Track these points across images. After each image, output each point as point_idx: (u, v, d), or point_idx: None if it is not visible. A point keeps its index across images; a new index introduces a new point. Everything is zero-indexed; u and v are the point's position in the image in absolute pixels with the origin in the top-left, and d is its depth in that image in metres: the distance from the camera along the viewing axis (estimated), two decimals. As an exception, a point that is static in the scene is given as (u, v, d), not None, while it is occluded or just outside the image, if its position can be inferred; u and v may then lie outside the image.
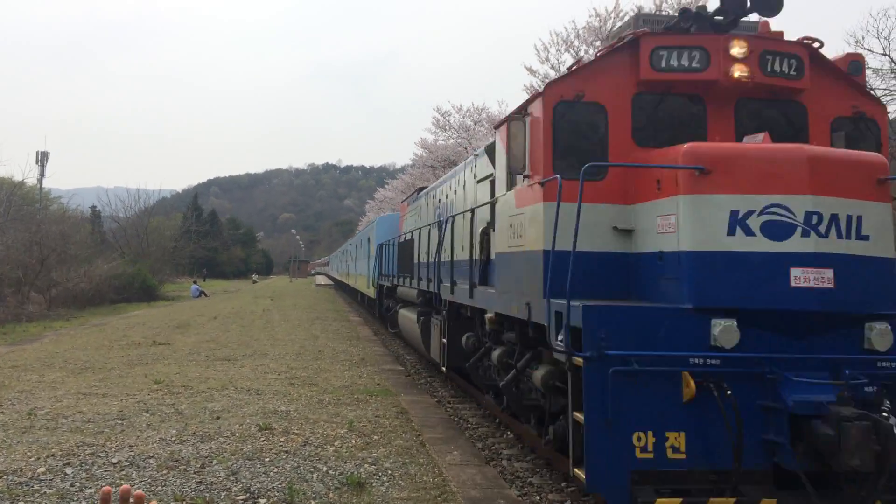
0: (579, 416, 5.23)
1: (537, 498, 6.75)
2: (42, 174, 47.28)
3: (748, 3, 6.06)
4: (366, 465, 6.61)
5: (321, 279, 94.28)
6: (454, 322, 10.29)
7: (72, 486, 5.86)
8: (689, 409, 5.04)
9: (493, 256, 8.35)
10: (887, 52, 18.62)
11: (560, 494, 6.85)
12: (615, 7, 23.81)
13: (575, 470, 5.42)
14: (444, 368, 11.02)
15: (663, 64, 6.09)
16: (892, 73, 18.99)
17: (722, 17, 6.25)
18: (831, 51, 7.40)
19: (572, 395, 5.49)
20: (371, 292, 24.62)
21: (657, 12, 18.58)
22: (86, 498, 5.56)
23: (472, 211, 9.67)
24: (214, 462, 6.57)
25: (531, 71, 27.01)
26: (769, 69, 6.06)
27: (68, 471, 6.25)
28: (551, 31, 28.70)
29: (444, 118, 37.22)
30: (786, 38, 6.44)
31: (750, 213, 5.17)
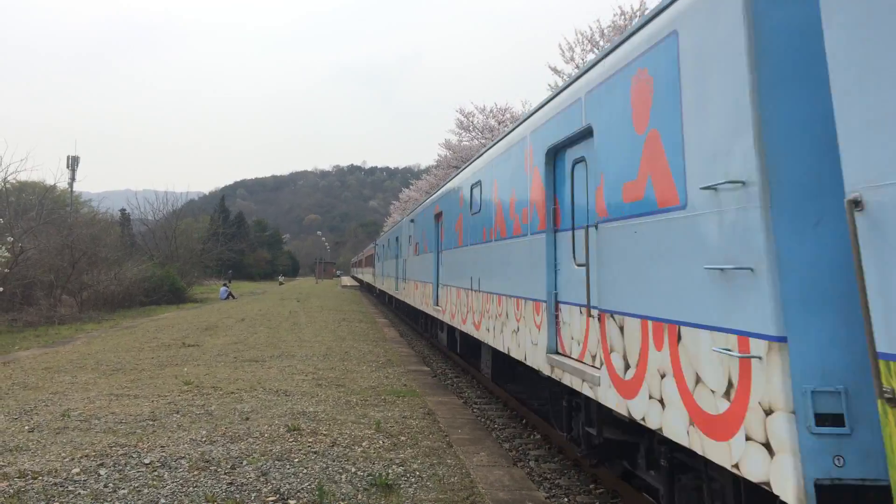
0: None
1: (565, 500, 6.73)
2: (72, 178, 48.09)
3: None
4: (394, 467, 6.63)
5: (347, 280, 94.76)
6: None
7: (105, 486, 5.94)
8: None
9: None
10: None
11: (588, 496, 6.82)
12: (641, 5, 23.68)
13: None
14: None
15: None
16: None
17: None
18: None
19: None
20: None
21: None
22: (119, 499, 5.64)
23: None
24: (244, 463, 6.63)
25: (555, 70, 27.00)
26: None
27: (102, 471, 6.35)
28: (576, 31, 28.55)
29: (468, 119, 37.33)
30: None
31: None
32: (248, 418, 8.51)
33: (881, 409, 2.80)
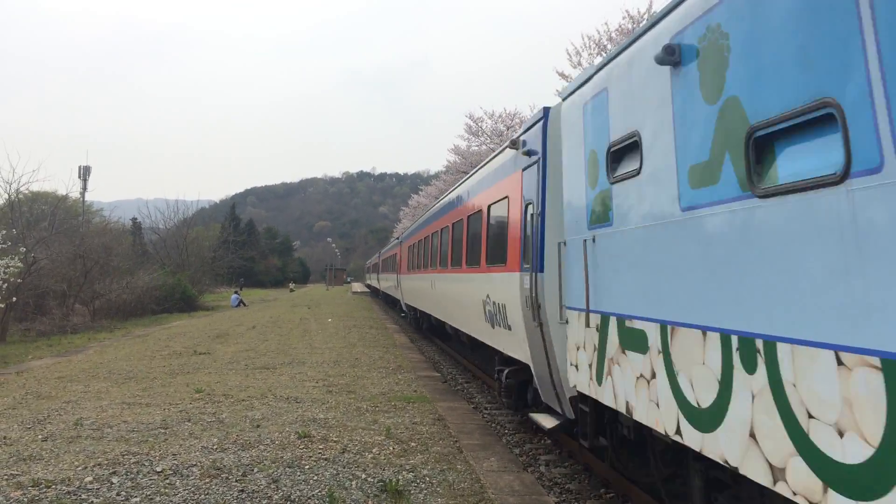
0: None
1: (576, 505, 6.72)
2: (84, 188, 48.44)
3: None
4: (404, 473, 6.64)
5: (357, 286, 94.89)
6: None
7: (118, 495, 5.98)
8: None
9: None
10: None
11: (599, 501, 6.81)
12: (648, 8, 23.66)
13: None
14: None
15: None
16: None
17: None
18: None
19: None
20: None
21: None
22: (131, 506, 5.68)
23: None
24: (255, 470, 6.67)
25: (563, 75, 26.96)
26: None
27: (114, 480, 6.39)
28: (583, 35, 28.55)
29: (477, 124, 37.31)
30: None
31: None
32: (258, 426, 8.55)
33: None
